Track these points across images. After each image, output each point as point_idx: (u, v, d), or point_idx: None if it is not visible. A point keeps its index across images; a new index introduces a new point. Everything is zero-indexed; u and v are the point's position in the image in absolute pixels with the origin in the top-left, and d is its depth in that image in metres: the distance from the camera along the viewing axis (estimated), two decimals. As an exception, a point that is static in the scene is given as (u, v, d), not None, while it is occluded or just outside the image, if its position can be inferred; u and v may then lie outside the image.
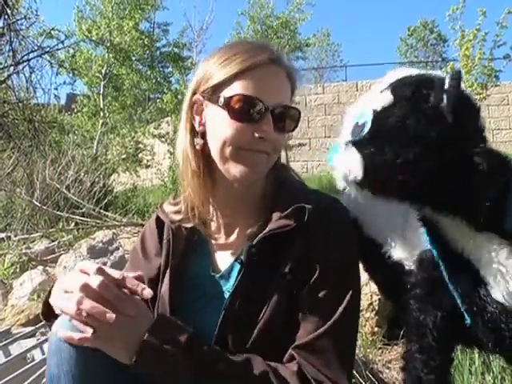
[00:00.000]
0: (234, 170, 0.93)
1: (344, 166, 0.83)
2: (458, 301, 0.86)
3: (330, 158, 0.85)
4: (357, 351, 1.90)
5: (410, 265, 0.97)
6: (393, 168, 0.79)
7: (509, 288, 0.80)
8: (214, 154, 0.95)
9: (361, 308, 2.09)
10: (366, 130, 0.83)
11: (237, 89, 0.90)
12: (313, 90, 12.71)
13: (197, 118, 0.98)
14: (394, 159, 0.78)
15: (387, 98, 0.82)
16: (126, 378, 0.81)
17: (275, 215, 0.93)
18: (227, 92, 0.91)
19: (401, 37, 29.78)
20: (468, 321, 0.86)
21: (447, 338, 0.94)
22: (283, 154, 1.12)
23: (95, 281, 0.75)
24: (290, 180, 1.03)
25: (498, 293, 0.81)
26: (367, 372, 1.71)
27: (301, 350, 0.87)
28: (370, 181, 0.82)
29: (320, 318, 0.87)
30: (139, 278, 0.82)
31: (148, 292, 0.81)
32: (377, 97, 0.84)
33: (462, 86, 0.81)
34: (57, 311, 0.85)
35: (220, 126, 0.92)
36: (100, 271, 0.77)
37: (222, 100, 0.91)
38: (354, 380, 1.59)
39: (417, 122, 0.79)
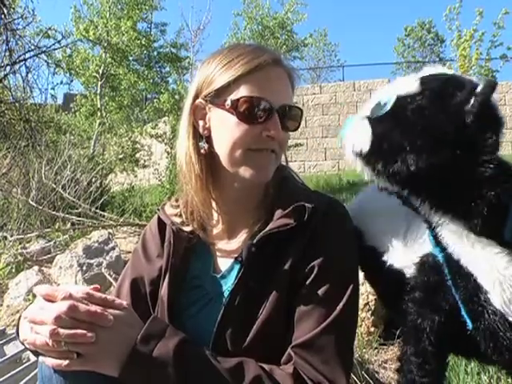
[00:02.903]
0: (245, 172, 0.94)
1: (353, 138, 0.83)
2: (460, 304, 0.85)
3: (343, 132, 0.86)
4: (353, 351, 1.92)
5: (411, 273, 0.97)
6: (398, 151, 0.79)
7: (507, 297, 0.80)
8: (223, 157, 0.95)
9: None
10: (385, 110, 0.84)
11: (243, 91, 0.91)
12: (310, 89, 12.72)
13: (200, 123, 0.98)
14: (402, 143, 0.79)
15: (414, 87, 0.84)
16: None
17: (276, 214, 0.93)
18: (233, 95, 0.91)
19: (398, 37, 29.75)
20: (469, 324, 0.86)
21: (443, 342, 0.94)
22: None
23: (63, 307, 0.74)
24: (291, 179, 1.04)
25: (496, 300, 0.81)
26: (363, 372, 1.71)
27: (299, 349, 0.86)
28: (373, 157, 0.82)
29: (320, 316, 0.86)
30: (97, 290, 0.82)
31: (120, 302, 0.81)
32: (405, 84, 0.86)
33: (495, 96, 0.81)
34: (29, 346, 0.83)
35: (227, 129, 0.93)
36: (66, 298, 0.76)
37: (228, 103, 0.91)
38: (349, 380, 1.59)
39: (435, 114, 0.79)
